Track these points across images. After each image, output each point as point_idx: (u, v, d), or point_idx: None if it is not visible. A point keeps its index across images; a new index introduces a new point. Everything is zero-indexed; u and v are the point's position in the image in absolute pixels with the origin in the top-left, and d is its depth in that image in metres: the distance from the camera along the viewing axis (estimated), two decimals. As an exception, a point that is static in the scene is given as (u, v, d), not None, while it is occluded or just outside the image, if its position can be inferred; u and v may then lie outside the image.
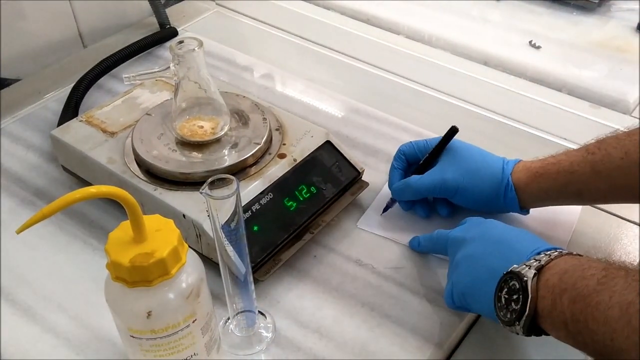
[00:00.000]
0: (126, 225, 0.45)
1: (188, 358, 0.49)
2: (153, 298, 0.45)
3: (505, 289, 0.50)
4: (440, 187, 0.65)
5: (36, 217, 0.41)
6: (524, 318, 0.48)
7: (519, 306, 0.48)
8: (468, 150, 0.66)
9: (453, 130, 0.66)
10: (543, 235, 0.65)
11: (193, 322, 0.47)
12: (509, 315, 0.49)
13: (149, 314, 0.45)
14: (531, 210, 0.66)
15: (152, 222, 0.46)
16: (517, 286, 0.49)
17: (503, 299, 0.50)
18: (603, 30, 1.02)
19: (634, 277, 0.43)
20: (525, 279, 0.48)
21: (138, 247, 0.44)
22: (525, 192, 0.63)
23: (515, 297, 0.49)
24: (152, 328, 0.46)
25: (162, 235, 0.45)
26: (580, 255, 0.50)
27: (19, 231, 0.42)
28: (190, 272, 0.47)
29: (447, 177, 0.64)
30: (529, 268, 0.49)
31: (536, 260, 0.50)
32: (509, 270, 0.50)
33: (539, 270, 0.48)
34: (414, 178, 0.66)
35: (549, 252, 0.50)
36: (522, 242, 0.54)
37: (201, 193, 0.46)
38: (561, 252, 0.50)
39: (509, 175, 0.63)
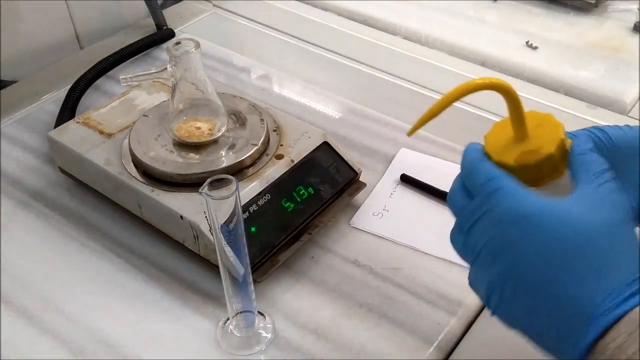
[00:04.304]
0: (502, 124, 0.43)
1: None
2: (539, 192, 0.41)
3: None
4: None
5: (427, 116, 0.41)
6: None
7: None
8: None
9: None
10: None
11: None
12: None
13: None
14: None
15: (531, 118, 0.43)
16: None
17: None
18: (600, 30, 1.02)
19: None
20: None
21: (521, 145, 0.41)
22: None
23: None
24: None
25: (544, 131, 0.42)
26: None
27: (411, 133, 0.43)
28: (580, 163, 0.42)
29: None
30: None
31: None
32: None
33: None
34: None
35: None
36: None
37: (200, 193, 0.46)
38: None
39: None
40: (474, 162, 0.43)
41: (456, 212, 0.43)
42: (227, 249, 0.50)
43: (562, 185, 0.42)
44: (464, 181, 0.43)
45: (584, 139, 0.43)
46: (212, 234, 0.57)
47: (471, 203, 0.41)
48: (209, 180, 0.46)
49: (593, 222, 0.37)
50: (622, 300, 0.35)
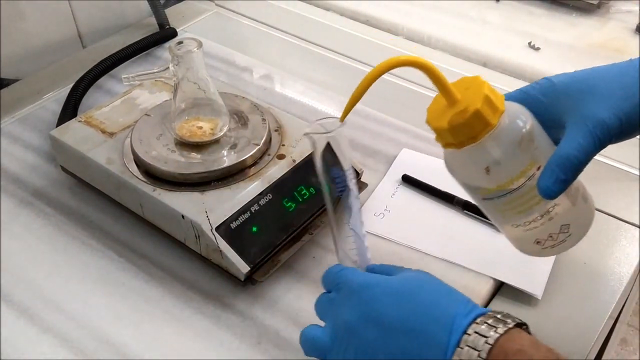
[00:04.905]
0: (438, 96, 0.46)
1: (550, 208, 0.47)
2: (485, 153, 0.45)
3: None
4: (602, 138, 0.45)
5: (352, 100, 0.45)
6: None
7: None
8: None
9: None
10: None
11: (538, 169, 0.46)
12: None
13: (487, 170, 0.45)
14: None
15: (460, 84, 0.46)
16: None
17: None
18: (602, 31, 1.02)
19: None
20: None
21: (452, 109, 0.45)
22: None
23: None
24: (498, 184, 0.46)
25: (471, 92, 0.45)
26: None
27: (342, 119, 0.46)
28: (514, 118, 0.46)
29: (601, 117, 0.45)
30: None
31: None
32: None
33: None
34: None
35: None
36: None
37: (307, 134, 0.47)
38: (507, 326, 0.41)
39: None
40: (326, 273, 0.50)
41: (320, 311, 0.50)
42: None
43: (500, 135, 0.45)
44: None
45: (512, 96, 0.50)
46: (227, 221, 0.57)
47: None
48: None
49: (417, 279, 0.46)
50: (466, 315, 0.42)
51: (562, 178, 0.44)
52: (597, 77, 0.47)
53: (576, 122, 0.45)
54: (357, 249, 0.52)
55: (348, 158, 0.49)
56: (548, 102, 0.48)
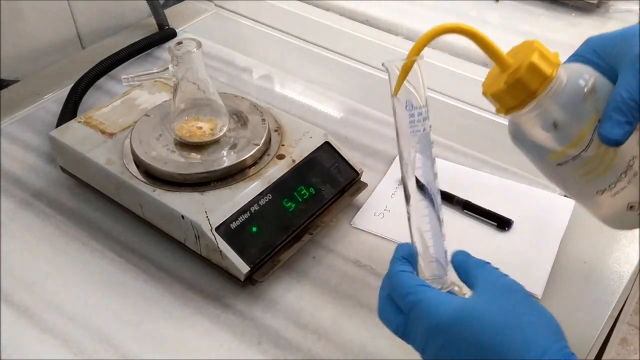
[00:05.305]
0: (492, 69, 0.47)
1: (630, 162, 0.46)
2: (549, 107, 0.44)
3: None
4: None
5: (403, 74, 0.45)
6: None
7: None
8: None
9: None
10: (534, 233, 0.66)
11: (599, 121, 0.45)
12: None
13: (555, 126, 0.44)
14: (520, 209, 0.66)
15: (511, 52, 0.46)
16: None
17: None
18: (602, 31, 1.01)
19: None
20: None
21: (506, 72, 0.45)
22: None
23: None
24: (570, 141, 0.45)
25: (522, 53, 0.45)
26: None
27: (396, 93, 0.46)
28: (572, 72, 0.45)
29: None
30: None
31: None
32: None
33: None
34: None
35: None
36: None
37: (383, 64, 0.46)
38: None
39: None
40: (394, 275, 0.47)
41: (387, 324, 0.48)
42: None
43: (561, 88, 0.44)
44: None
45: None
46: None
47: (398, 318, 0.47)
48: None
49: (498, 313, 0.43)
50: None
51: (621, 120, 0.44)
52: (636, 27, 0.48)
53: (626, 67, 0.45)
54: (430, 222, 0.50)
55: (423, 95, 0.48)
56: (600, 57, 0.48)
